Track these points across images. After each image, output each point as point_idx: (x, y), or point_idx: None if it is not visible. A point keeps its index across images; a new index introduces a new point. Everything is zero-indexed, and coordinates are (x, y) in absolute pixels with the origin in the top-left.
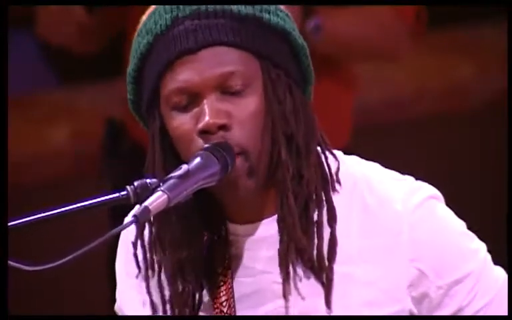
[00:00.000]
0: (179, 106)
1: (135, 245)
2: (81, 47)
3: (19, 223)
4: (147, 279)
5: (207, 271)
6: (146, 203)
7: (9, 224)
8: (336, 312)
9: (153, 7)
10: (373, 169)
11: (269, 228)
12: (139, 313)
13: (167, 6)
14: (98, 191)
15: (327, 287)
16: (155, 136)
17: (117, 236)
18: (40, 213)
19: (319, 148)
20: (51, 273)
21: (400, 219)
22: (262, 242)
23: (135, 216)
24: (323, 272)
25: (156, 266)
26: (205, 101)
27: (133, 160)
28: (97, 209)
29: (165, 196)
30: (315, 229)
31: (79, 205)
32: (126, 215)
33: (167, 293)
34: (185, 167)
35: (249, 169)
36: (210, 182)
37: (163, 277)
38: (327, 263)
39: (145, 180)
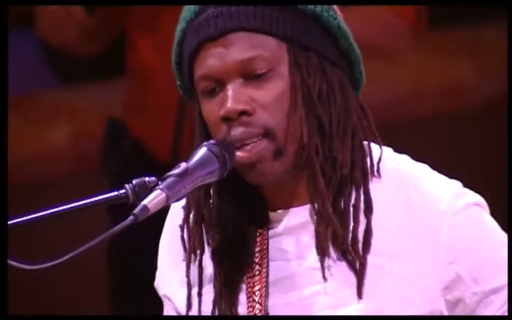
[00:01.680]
0: (207, 91)
1: (182, 227)
2: (81, 48)
3: (19, 221)
4: (188, 262)
5: (246, 258)
6: (145, 202)
7: (9, 222)
8: (367, 303)
9: None
10: (422, 168)
11: (306, 213)
12: (173, 292)
13: None
14: (98, 190)
15: (360, 276)
16: (195, 121)
17: (117, 234)
18: (39, 212)
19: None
20: (50, 272)
21: (442, 220)
22: (299, 227)
23: (133, 214)
24: (356, 260)
25: (198, 248)
26: (227, 87)
27: (133, 159)
28: (96, 208)
29: (164, 194)
30: (351, 215)
31: (78, 203)
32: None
33: (209, 277)
34: (183, 165)
35: (275, 150)
36: (209, 179)
37: (204, 261)
38: (361, 252)
39: (143, 178)
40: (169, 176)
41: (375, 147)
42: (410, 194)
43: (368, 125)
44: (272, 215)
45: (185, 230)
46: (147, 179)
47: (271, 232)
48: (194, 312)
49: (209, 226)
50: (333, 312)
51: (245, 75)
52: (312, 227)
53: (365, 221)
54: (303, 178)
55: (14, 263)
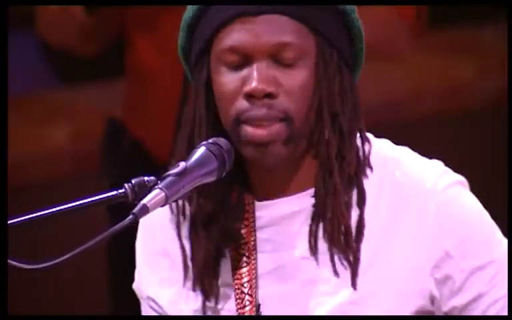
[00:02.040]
0: (230, 64)
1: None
2: (81, 48)
3: (19, 221)
4: (178, 226)
5: (232, 250)
6: (144, 201)
7: (9, 222)
8: (359, 286)
9: None
10: (404, 151)
11: (299, 203)
12: (156, 291)
13: None
14: (98, 190)
15: (354, 267)
16: (199, 88)
17: (117, 234)
18: (39, 212)
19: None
20: (50, 272)
21: (428, 198)
22: (288, 218)
23: (133, 214)
24: (349, 251)
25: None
26: (255, 65)
27: (133, 159)
28: (96, 207)
29: (163, 194)
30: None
31: (77, 203)
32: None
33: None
34: (182, 165)
35: (288, 136)
36: (208, 179)
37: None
38: (354, 244)
39: (142, 178)
40: (168, 175)
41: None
42: (395, 176)
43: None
44: (258, 205)
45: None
46: (146, 178)
47: (257, 223)
48: (182, 309)
49: (193, 218)
50: (326, 299)
51: (274, 58)
52: (302, 217)
53: (358, 212)
54: (294, 168)
55: (14, 263)
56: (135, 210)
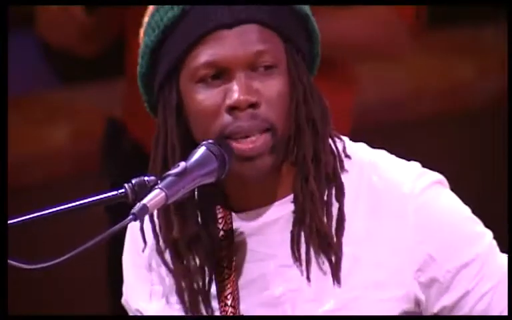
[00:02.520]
0: (206, 79)
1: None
2: (81, 48)
3: (19, 221)
4: (160, 253)
5: (213, 263)
6: (144, 201)
7: (9, 222)
8: (342, 292)
9: None
10: (380, 154)
11: (277, 211)
12: (144, 305)
13: None
14: (98, 190)
15: (336, 264)
16: (168, 111)
17: (117, 233)
18: (39, 212)
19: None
20: (50, 271)
21: (406, 202)
22: (268, 226)
23: (133, 214)
24: (331, 250)
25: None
26: (236, 77)
27: (133, 159)
28: (96, 207)
29: (163, 194)
30: (325, 209)
31: (77, 203)
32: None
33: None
34: (182, 165)
35: (273, 145)
36: (208, 179)
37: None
38: (335, 240)
39: (142, 178)
40: (168, 175)
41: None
42: (372, 180)
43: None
44: (236, 217)
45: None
46: (146, 178)
47: (236, 234)
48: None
49: (171, 229)
50: (310, 307)
51: (253, 67)
52: (280, 225)
53: (337, 206)
54: (274, 176)
55: (14, 263)
56: (135, 210)
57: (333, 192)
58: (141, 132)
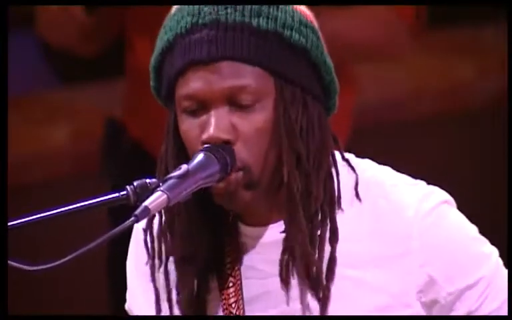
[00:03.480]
0: (189, 111)
1: (145, 231)
2: (81, 48)
3: (19, 222)
4: (152, 268)
5: (218, 270)
6: (146, 203)
7: (9, 224)
8: (344, 314)
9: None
10: (385, 173)
11: (276, 232)
12: (146, 312)
13: (191, 6)
14: (98, 190)
15: (323, 304)
16: (169, 130)
17: (117, 235)
18: (40, 213)
19: (331, 159)
20: (50, 273)
21: (411, 226)
22: (272, 245)
23: (135, 216)
24: (319, 289)
25: (163, 256)
26: (212, 113)
27: (133, 160)
28: (97, 209)
29: (165, 196)
30: (317, 245)
31: (78, 205)
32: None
33: (173, 288)
34: (184, 167)
35: (248, 182)
36: (210, 182)
37: (171, 273)
38: (324, 282)
39: (144, 180)
40: (170, 178)
41: (343, 169)
42: (377, 202)
43: (339, 151)
44: (244, 228)
45: (148, 235)
46: (148, 180)
47: (243, 246)
48: None
49: (176, 235)
50: None
51: (230, 102)
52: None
53: (330, 249)
54: (275, 198)
55: (14, 264)
56: (137, 212)
57: (327, 230)
58: (141, 132)
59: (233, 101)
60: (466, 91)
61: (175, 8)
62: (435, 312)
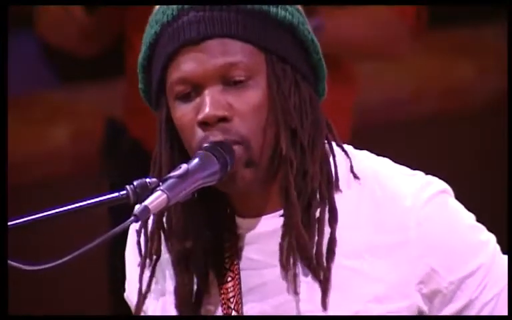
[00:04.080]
0: (182, 96)
1: (138, 233)
2: (81, 48)
3: (19, 222)
4: (142, 267)
5: (216, 266)
6: (145, 203)
7: (9, 224)
8: (341, 307)
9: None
10: (383, 163)
11: (275, 222)
12: (146, 305)
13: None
14: (98, 190)
15: (324, 286)
16: (161, 126)
17: (117, 235)
18: (40, 213)
19: (327, 145)
20: (50, 273)
21: (408, 215)
22: (269, 236)
23: (134, 215)
24: (320, 271)
25: (154, 255)
26: (206, 92)
27: (133, 160)
28: (97, 209)
29: (165, 195)
30: (316, 227)
31: (78, 204)
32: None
33: (171, 284)
34: (184, 167)
35: (248, 159)
36: (210, 181)
37: (161, 267)
38: (325, 263)
39: (144, 179)
40: (170, 177)
41: (339, 155)
42: (375, 192)
43: (332, 137)
44: (240, 221)
45: (142, 235)
46: (147, 180)
47: (240, 239)
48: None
49: (173, 232)
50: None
51: (224, 81)
52: (279, 235)
53: (329, 231)
54: (271, 187)
55: (14, 264)
56: (137, 211)
57: (326, 212)
58: (141, 132)
59: (226, 78)
60: (466, 91)
61: (157, 6)
62: (437, 303)
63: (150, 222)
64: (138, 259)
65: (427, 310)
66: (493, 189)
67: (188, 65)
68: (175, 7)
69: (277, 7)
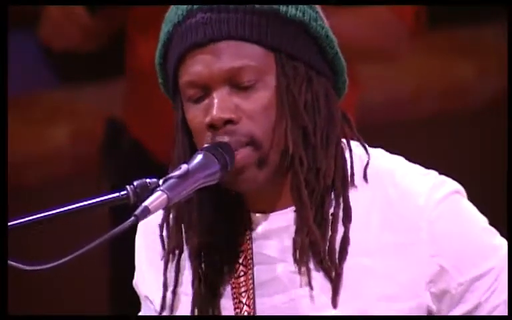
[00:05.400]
0: (193, 98)
1: (161, 226)
2: (83, 47)
3: (19, 223)
4: (166, 262)
5: (229, 259)
6: (146, 203)
7: (9, 224)
8: (351, 305)
9: None
10: (397, 162)
11: (288, 217)
12: (152, 293)
13: None
14: (98, 191)
15: (335, 284)
16: (178, 125)
17: (119, 235)
18: (40, 213)
19: (344, 139)
20: (50, 272)
21: (421, 215)
22: (282, 231)
23: (134, 215)
24: (332, 268)
25: (177, 248)
26: (213, 95)
27: (133, 159)
28: (97, 209)
29: (165, 195)
30: (330, 224)
31: (78, 204)
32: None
33: (186, 278)
34: (184, 167)
35: (259, 159)
36: (210, 181)
37: (182, 262)
38: (337, 261)
39: (144, 180)
40: (170, 177)
41: (357, 150)
42: (388, 190)
43: (350, 132)
44: (253, 216)
45: (164, 229)
46: (148, 180)
47: (253, 234)
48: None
49: (189, 227)
50: (318, 314)
51: (231, 84)
52: (291, 232)
53: (343, 229)
54: (284, 183)
55: (14, 264)
56: (137, 212)
57: (341, 209)
58: (141, 131)
59: (234, 81)
60: (466, 91)
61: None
62: (445, 303)
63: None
64: (149, 247)
65: (435, 309)
66: (493, 189)
67: (196, 68)
68: (184, 7)
69: (287, 5)
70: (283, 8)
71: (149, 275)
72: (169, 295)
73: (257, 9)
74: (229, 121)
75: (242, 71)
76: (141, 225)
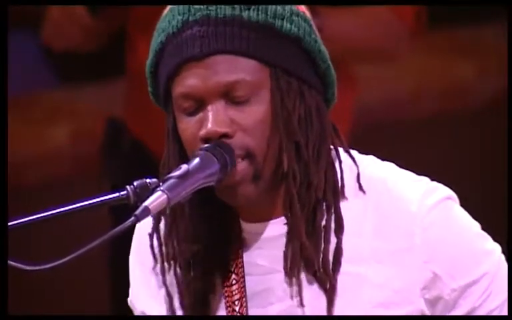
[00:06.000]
0: (186, 110)
1: (151, 236)
2: (84, 47)
3: (19, 222)
4: (162, 271)
5: (221, 268)
6: (146, 203)
7: (9, 224)
8: (346, 313)
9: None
10: (389, 169)
11: (280, 227)
12: (150, 307)
13: (181, 6)
14: (98, 190)
15: (330, 295)
16: (169, 133)
17: (119, 235)
18: (40, 213)
19: (334, 151)
20: (51, 272)
21: (414, 222)
22: (274, 241)
23: (134, 215)
24: (326, 279)
25: (171, 259)
26: (208, 108)
27: (133, 159)
28: (97, 209)
29: (165, 196)
30: (322, 235)
31: (78, 204)
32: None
33: (177, 288)
34: (184, 167)
35: (254, 173)
36: (210, 181)
37: (176, 270)
38: (331, 272)
39: (144, 180)
40: (170, 178)
41: (347, 160)
42: (380, 198)
43: (340, 143)
44: (245, 225)
45: (155, 239)
46: (148, 180)
47: (245, 243)
48: None
49: (181, 236)
50: None
51: (226, 97)
52: (283, 241)
53: (335, 240)
54: (276, 193)
55: (14, 264)
56: (137, 212)
57: (332, 220)
58: (142, 131)
59: (229, 96)
60: (466, 91)
61: (167, 9)
62: (439, 309)
63: (161, 226)
64: (143, 263)
65: (428, 313)
66: (493, 189)
67: (190, 81)
68: (179, 18)
69: (282, 19)
70: (278, 22)
71: (145, 290)
72: (167, 306)
73: (254, 23)
74: (224, 135)
75: (237, 85)
76: (134, 241)
